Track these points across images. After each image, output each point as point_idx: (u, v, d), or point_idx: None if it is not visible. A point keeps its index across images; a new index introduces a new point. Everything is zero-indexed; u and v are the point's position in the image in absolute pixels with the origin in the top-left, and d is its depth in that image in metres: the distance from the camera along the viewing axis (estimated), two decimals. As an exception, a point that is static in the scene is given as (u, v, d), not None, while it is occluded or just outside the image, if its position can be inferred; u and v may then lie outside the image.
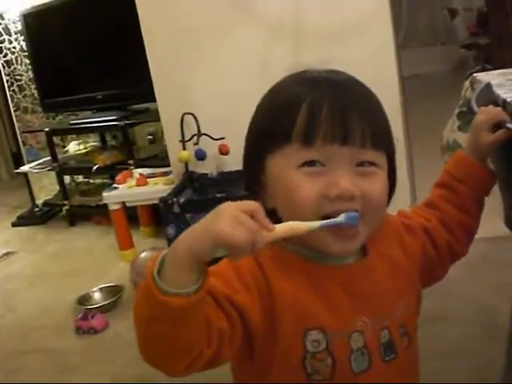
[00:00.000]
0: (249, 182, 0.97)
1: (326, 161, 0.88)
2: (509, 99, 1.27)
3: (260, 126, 0.95)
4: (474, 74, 1.62)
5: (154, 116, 3.51)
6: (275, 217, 0.90)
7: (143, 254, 2.92)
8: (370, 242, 0.96)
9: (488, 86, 1.33)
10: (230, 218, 0.74)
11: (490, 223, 2.01)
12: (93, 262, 3.56)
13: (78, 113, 4.59)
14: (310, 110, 0.88)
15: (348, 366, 0.90)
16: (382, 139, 0.92)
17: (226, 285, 0.87)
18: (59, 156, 4.33)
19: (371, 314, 0.93)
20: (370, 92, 0.95)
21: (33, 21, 4.31)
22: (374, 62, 2.73)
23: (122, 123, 3.81)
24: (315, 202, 0.87)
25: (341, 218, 0.86)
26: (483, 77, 1.55)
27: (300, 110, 0.88)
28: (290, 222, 0.82)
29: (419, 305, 1.03)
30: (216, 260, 0.90)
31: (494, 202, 1.38)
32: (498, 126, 1.06)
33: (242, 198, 2.73)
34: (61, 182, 4.27)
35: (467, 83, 1.60)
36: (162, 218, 2.74)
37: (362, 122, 0.88)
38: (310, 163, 0.88)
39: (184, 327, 0.78)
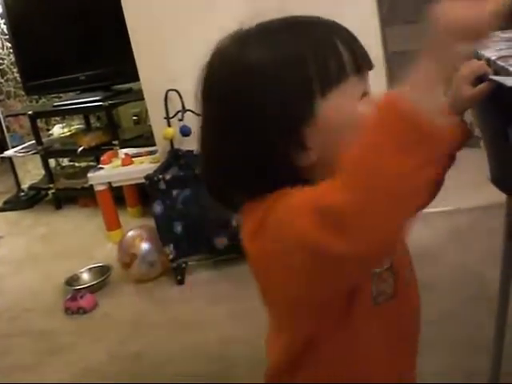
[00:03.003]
0: (283, 147, 0.82)
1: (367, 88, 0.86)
2: (493, 57, 1.27)
3: (302, 76, 0.82)
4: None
5: (138, 96, 3.49)
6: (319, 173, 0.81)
7: (130, 233, 2.91)
8: None
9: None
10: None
11: (478, 193, 2.01)
12: (80, 243, 3.54)
13: (61, 95, 4.55)
14: (344, 43, 0.84)
15: (403, 282, 0.91)
16: None
17: None
18: (44, 140, 4.29)
19: None
20: None
21: (13, 3, 4.25)
22: (358, 37, 2.71)
23: (105, 103, 3.79)
24: None
25: None
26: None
27: (337, 44, 0.84)
28: None
29: None
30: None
31: (481, 173, 1.38)
32: (480, 80, 1.05)
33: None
34: (46, 165, 4.24)
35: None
36: (148, 195, 2.72)
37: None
38: (365, 93, 0.85)
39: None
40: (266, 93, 0.81)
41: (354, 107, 0.83)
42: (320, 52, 0.83)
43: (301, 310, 0.84)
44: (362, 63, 0.84)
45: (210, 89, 0.88)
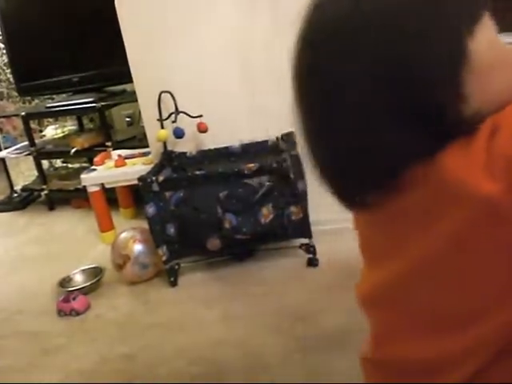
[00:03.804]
0: (447, 99, 0.72)
1: None
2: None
3: (448, 13, 0.73)
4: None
5: (131, 97, 3.50)
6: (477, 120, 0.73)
7: (123, 235, 2.90)
8: None
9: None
10: None
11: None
12: (73, 244, 3.54)
13: (54, 96, 4.55)
14: None
15: None
16: None
17: None
18: (36, 141, 4.29)
19: None
20: None
21: (6, 4, 4.24)
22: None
23: (98, 105, 3.79)
24: None
25: None
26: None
27: None
28: None
29: None
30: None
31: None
32: None
33: (221, 175, 2.68)
34: (39, 166, 4.23)
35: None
36: (142, 197, 2.72)
37: None
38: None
39: None
40: (418, 45, 0.71)
41: (500, 41, 0.76)
42: None
43: None
44: None
45: (342, 48, 0.75)
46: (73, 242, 3.58)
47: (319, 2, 0.77)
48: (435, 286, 0.77)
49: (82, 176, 3.39)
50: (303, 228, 2.71)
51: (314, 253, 2.73)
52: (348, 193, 0.82)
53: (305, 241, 2.74)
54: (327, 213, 2.72)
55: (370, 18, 0.72)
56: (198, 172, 2.74)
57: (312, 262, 2.73)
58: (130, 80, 3.18)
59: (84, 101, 3.92)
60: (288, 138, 2.83)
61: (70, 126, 4.63)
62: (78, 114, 4.38)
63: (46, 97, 4.68)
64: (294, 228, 2.69)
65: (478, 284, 0.74)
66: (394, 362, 0.86)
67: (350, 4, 0.73)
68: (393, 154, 0.73)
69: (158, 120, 2.97)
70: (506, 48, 0.77)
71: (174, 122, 2.90)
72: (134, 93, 3.26)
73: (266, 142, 2.93)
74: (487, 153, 0.68)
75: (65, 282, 2.94)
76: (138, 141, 3.77)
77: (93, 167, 3.48)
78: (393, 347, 0.87)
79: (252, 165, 2.57)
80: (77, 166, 4.55)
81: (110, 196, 3.55)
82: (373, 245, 0.88)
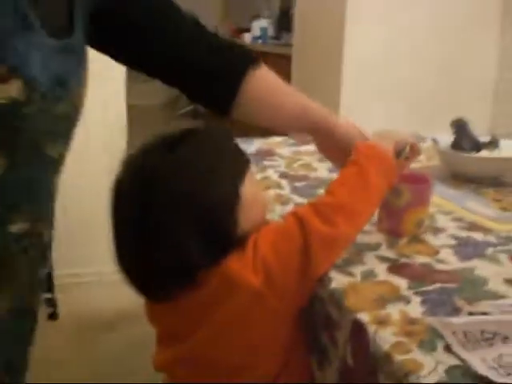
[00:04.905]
0: (228, 227, 1.02)
1: None
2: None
3: (231, 171, 1.04)
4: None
5: None
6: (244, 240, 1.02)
7: None
8: None
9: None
10: None
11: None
12: None
13: None
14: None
15: None
16: None
17: None
18: None
19: None
20: None
21: None
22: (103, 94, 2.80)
23: None
24: None
25: None
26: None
27: (237, 143, 1.09)
28: None
29: None
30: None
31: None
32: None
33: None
34: None
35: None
36: None
37: None
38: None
39: None
40: (209, 190, 0.98)
41: (257, 184, 1.12)
42: (233, 151, 1.07)
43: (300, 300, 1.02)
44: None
45: (158, 197, 0.97)
46: None
47: (135, 154, 1.02)
48: (218, 351, 1.03)
49: None
50: (46, 282, 2.69)
51: (55, 306, 2.73)
52: (150, 289, 1.04)
53: (47, 295, 2.73)
54: (71, 267, 2.79)
55: (172, 168, 0.98)
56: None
57: (53, 316, 2.72)
58: None
59: None
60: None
61: None
62: None
63: None
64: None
65: (244, 347, 1.02)
66: None
67: (150, 159, 1.00)
68: (188, 262, 0.97)
69: None
70: (259, 189, 1.13)
71: None
72: None
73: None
74: (253, 257, 0.97)
75: None
76: None
77: None
78: None
79: None
80: None
81: None
82: (169, 328, 1.11)
